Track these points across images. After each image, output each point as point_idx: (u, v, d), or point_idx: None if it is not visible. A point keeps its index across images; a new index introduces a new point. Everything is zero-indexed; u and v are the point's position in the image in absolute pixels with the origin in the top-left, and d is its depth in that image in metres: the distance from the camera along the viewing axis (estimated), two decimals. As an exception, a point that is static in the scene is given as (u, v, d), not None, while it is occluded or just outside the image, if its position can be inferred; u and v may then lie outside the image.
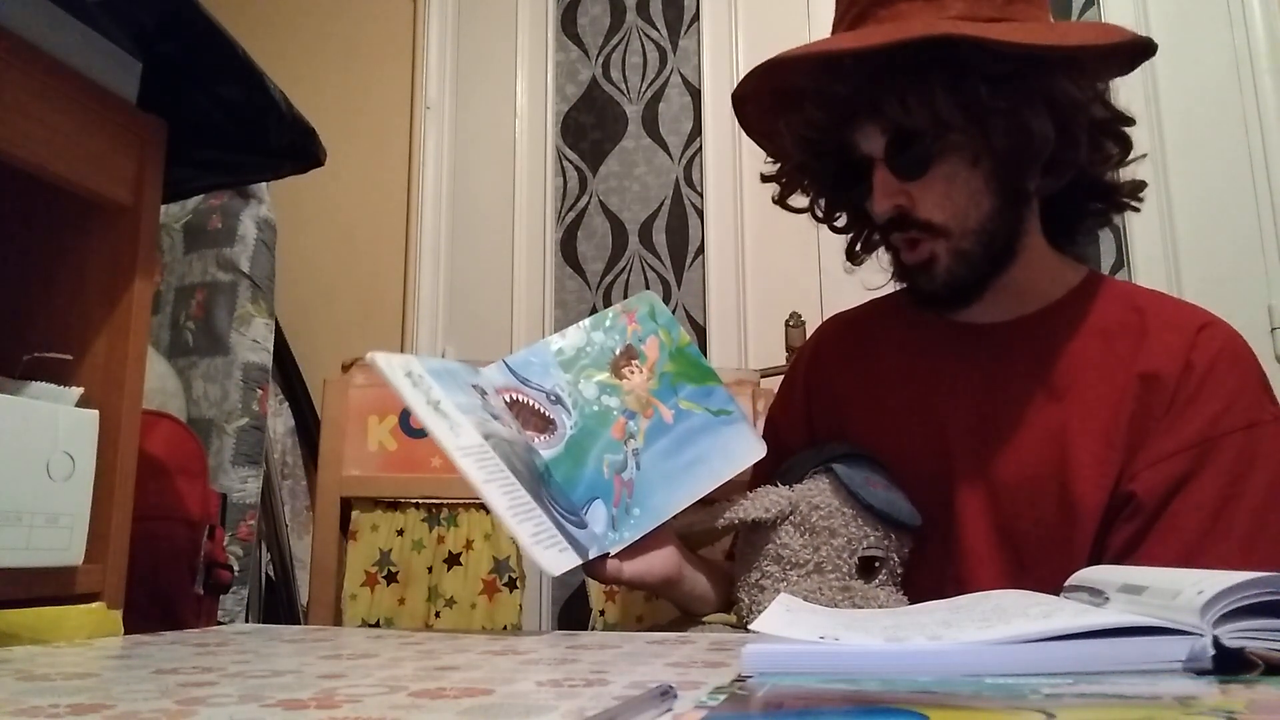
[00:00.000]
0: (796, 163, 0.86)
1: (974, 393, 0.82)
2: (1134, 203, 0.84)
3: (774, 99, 0.84)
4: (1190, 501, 0.71)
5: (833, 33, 0.82)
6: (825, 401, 0.93)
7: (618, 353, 0.85)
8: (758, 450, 0.86)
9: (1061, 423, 0.77)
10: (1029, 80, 0.73)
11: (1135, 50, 0.77)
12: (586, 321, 0.86)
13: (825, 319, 1.04)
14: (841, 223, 0.91)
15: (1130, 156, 0.82)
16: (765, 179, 0.92)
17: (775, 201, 0.91)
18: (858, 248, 0.92)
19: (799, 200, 0.91)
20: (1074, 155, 0.76)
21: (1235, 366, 0.75)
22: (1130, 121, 0.81)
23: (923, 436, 0.83)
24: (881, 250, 0.89)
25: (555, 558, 0.68)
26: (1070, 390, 0.78)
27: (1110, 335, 0.79)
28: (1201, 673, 0.40)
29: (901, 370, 0.88)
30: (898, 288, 0.90)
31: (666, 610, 0.92)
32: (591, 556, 0.72)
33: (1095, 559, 0.74)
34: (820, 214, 0.90)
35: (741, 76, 0.83)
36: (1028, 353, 0.81)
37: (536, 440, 0.77)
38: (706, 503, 0.82)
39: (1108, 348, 0.79)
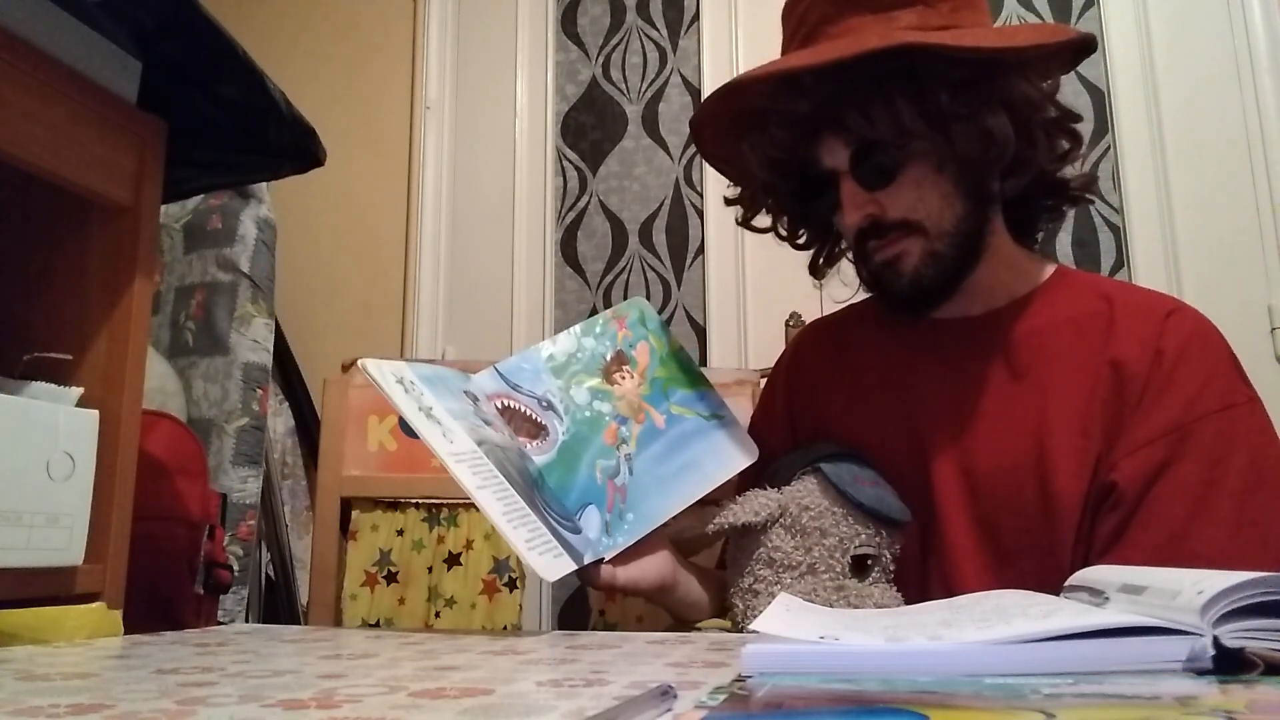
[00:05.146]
0: (760, 183, 0.87)
1: (949, 388, 0.83)
2: (1087, 195, 0.86)
3: (733, 123, 0.84)
4: (1172, 488, 0.72)
5: (784, 52, 0.82)
6: (806, 404, 0.94)
7: (609, 358, 0.85)
8: (749, 454, 0.86)
9: (1037, 414, 0.78)
10: (985, 84, 0.74)
11: (1078, 48, 0.78)
12: (577, 327, 0.86)
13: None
14: (804, 239, 0.92)
15: (1082, 151, 0.83)
16: (729, 202, 0.93)
17: (739, 223, 0.92)
18: (821, 262, 0.93)
19: (762, 220, 0.91)
20: (1033, 154, 0.77)
21: (1206, 351, 0.76)
22: (1078, 118, 0.82)
23: (900, 434, 0.84)
24: (846, 263, 0.89)
25: (551, 563, 0.68)
26: (1043, 381, 0.79)
27: (1080, 325, 0.80)
28: (1201, 673, 0.40)
29: (878, 369, 0.89)
30: (868, 296, 0.91)
31: (667, 613, 0.93)
32: (586, 562, 0.72)
33: (1078, 550, 0.74)
34: (784, 232, 0.91)
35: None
36: (999, 345, 0.82)
37: (529, 446, 0.77)
38: (700, 506, 0.82)
39: (1078, 337, 0.79)
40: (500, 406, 0.79)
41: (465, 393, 0.77)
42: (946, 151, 0.76)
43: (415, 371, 0.74)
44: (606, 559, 0.75)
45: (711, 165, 0.93)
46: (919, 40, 0.71)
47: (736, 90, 0.79)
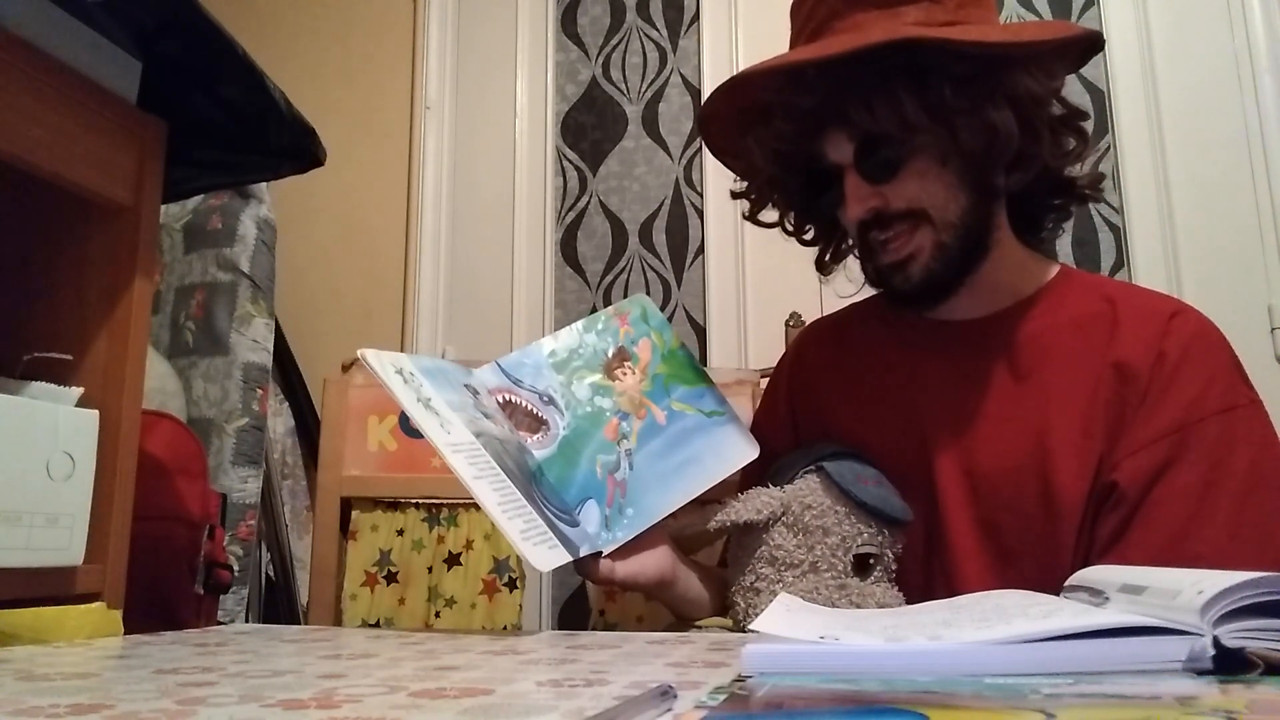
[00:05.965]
0: (766, 177, 0.87)
1: (951, 388, 0.83)
2: (1093, 194, 0.85)
3: (740, 116, 0.84)
4: (1172, 488, 0.72)
5: (791, 47, 0.83)
6: (809, 403, 0.94)
7: (610, 354, 0.85)
8: (750, 451, 0.86)
9: (1039, 415, 0.78)
10: (989, 79, 0.74)
11: (1086, 45, 0.78)
12: (579, 324, 0.86)
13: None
14: (810, 235, 0.92)
15: (1088, 149, 0.83)
16: (735, 195, 0.93)
17: (745, 217, 0.93)
18: (827, 258, 0.93)
19: (769, 215, 0.92)
20: (1037, 149, 0.77)
21: (1209, 352, 0.76)
22: (1085, 116, 0.82)
23: (903, 434, 0.84)
24: (851, 259, 0.89)
25: (545, 554, 0.68)
26: (1046, 382, 0.79)
27: (1083, 326, 0.80)
28: (1201, 673, 0.40)
29: (881, 369, 0.89)
30: (870, 295, 0.91)
31: (667, 611, 0.93)
32: (583, 554, 0.72)
33: (1080, 550, 0.74)
34: (790, 227, 0.91)
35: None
36: (1003, 347, 0.82)
37: (529, 440, 0.78)
38: (701, 504, 0.82)
39: (1081, 338, 0.80)
40: (501, 401, 0.79)
41: (466, 386, 0.77)
42: (950, 145, 0.76)
43: (415, 363, 0.74)
44: (605, 553, 0.75)
45: (719, 160, 0.93)
46: (922, 34, 0.71)
47: (742, 84, 0.80)
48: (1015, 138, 0.75)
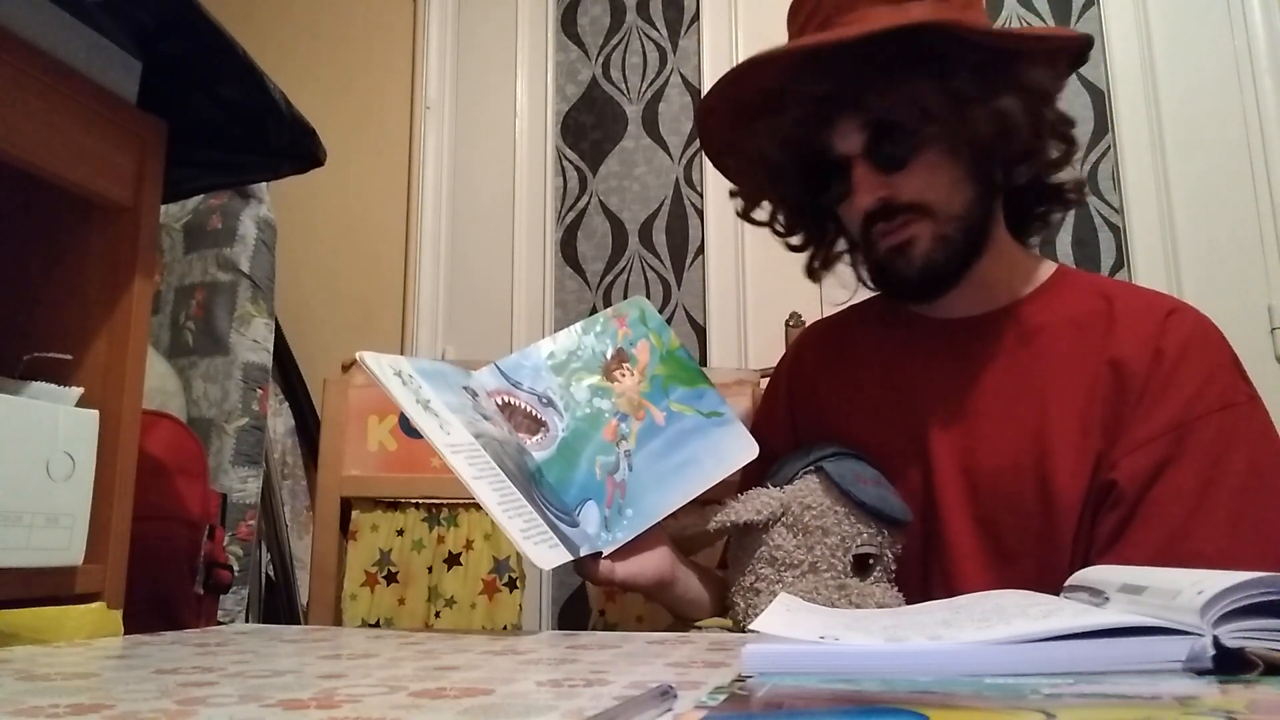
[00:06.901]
0: (766, 170, 0.86)
1: (950, 387, 0.83)
2: (1076, 198, 0.86)
3: (735, 112, 0.84)
4: (1171, 486, 0.72)
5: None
6: (808, 405, 0.94)
7: (609, 356, 0.85)
8: (749, 451, 0.87)
9: (1037, 414, 0.78)
10: (1004, 69, 0.74)
11: (1080, 48, 0.79)
12: (578, 325, 0.86)
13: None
14: (800, 240, 0.92)
15: (1073, 156, 0.83)
16: (734, 194, 0.93)
17: (740, 215, 0.92)
18: (816, 264, 0.92)
19: (762, 214, 0.91)
20: (1041, 144, 0.78)
21: (1206, 350, 0.76)
22: (1072, 123, 0.82)
23: (902, 434, 0.84)
24: (842, 266, 0.89)
25: (546, 553, 0.68)
26: (1044, 381, 0.79)
27: (1080, 325, 0.80)
28: (1201, 673, 0.40)
29: (879, 369, 0.89)
30: (868, 297, 0.91)
31: (667, 611, 0.93)
32: (582, 554, 0.72)
33: (1079, 549, 0.74)
34: (781, 227, 0.91)
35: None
36: (1001, 346, 0.82)
37: (529, 442, 0.78)
38: (701, 504, 0.82)
39: (1079, 337, 0.80)
40: (500, 403, 0.79)
41: (465, 388, 0.77)
42: (961, 136, 0.76)
43: (414, 365, 0.74)
44: (605, 554, 0.75)
45: (712, 159, 0.93)
46: (955, 20, 0.72)
47: (755, 68, 0.78)
48: (1025, 129, 0.75)
